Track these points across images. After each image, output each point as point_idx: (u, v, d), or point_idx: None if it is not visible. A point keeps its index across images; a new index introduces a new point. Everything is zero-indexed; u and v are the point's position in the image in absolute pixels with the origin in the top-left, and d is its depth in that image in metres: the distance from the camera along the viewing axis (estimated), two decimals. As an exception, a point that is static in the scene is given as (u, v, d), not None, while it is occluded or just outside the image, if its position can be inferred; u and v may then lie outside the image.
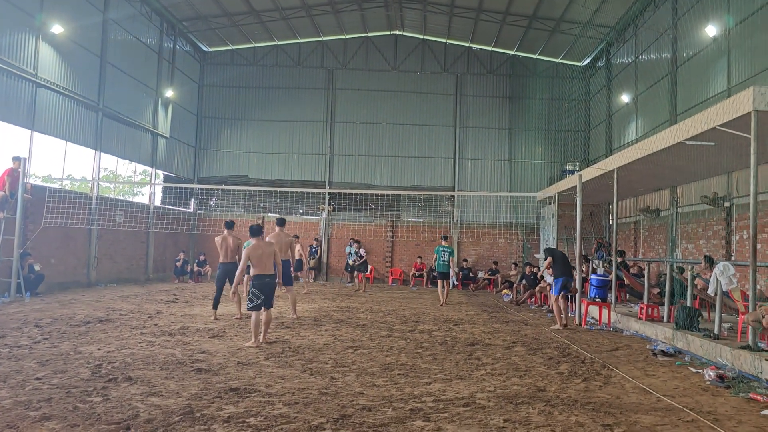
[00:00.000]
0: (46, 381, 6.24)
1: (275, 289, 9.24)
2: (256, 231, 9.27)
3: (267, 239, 10.86)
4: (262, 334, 9.01)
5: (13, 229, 14.01)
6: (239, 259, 11.67)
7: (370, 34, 27.46)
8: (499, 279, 23.23)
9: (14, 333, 9.10)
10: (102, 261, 19.19)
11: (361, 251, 21.64)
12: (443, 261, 16.34)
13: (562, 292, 12.41)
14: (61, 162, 17.63)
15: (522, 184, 26.53)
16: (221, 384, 6.37)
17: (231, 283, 12.20)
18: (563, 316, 12.30)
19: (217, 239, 12.01)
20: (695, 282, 10.97)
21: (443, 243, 16.63)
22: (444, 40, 27.45)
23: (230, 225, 12.20)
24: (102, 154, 19.33)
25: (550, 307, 14.31)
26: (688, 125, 10.36)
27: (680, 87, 17.80)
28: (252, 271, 9.09)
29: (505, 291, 20.63)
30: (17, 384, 6.07)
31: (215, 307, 11.96)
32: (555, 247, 16.48)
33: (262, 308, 8.97)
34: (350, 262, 21.62)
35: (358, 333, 10.49)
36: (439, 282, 16.56)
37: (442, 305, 15.93)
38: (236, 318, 11.74)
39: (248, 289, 9.54)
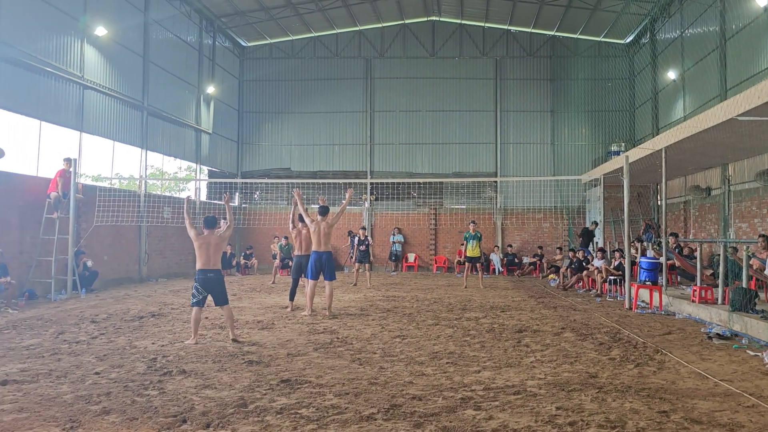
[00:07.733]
0: (105, 375, 6.44)
1: (222, 286, 8.55)
2: (211, 222, 8.66)
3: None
4: (230, 330, 8.52)
5: (68, 228, 14.48)
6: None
7: (406, 21, 27.27)
8: (545, 264, 22.96)
9: (72, 329, 9.42)
10: (152, 257, 19.67)
11: (369, 240, 19.01)
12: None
13: None
14: (110, 161, 18.11)
15: (566, 166, 26.11)
16: (272, 375, 6.46)
17: (306, 275, 11.54)
18: None
19: (293, 231, 12.33)
20: (750, 262, 10.62)
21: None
22: (482, 24, 27.06)
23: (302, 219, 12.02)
24: (148, 152, 19.77)
25: (598, 291, 14.96)
26: (740, 100, 10.01)
27: (730, 61, 17.16)
28: (196, 265, 8.44)
29: (551, 276, 20.36)
30: (77, 379, 6.28)
31: (291, 298, 12.06)
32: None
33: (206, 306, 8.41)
34: (393, 250, 21.25)
35: (404, 322, 10.51)
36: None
37: (465, 287, 17.29)
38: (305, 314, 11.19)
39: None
